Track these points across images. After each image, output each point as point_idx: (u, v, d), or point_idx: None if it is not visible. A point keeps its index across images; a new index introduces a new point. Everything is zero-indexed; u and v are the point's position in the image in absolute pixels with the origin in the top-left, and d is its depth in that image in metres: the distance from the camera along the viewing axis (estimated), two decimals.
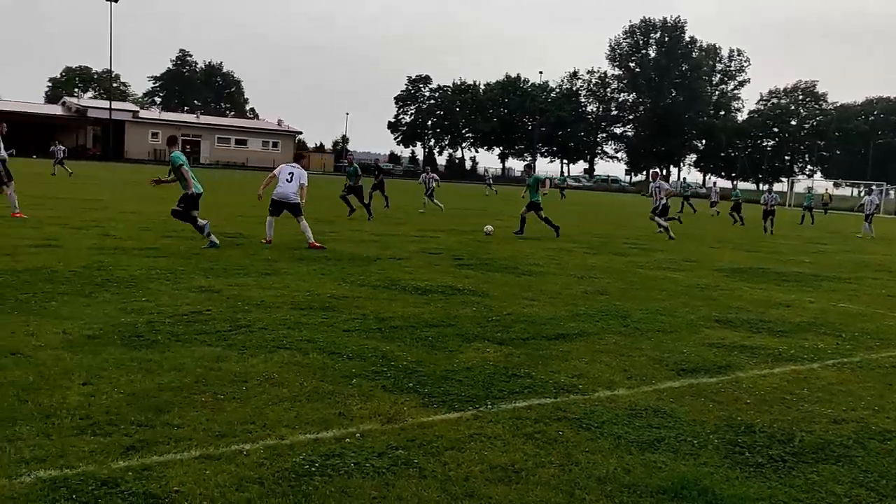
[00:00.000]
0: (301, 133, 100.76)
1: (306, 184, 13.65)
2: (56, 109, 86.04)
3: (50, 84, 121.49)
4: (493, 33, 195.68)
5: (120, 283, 8.53)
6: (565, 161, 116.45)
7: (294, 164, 13.92)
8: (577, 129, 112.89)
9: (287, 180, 13.45)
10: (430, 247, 14.63)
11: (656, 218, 21.52)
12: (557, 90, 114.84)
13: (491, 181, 57.36)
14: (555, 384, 5.66)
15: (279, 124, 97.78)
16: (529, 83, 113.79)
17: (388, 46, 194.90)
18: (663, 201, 21.37)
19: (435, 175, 29.68)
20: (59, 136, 76.68)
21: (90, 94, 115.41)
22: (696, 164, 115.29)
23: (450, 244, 15.47)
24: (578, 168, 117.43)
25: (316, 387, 5.22)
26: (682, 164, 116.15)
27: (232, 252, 11.88)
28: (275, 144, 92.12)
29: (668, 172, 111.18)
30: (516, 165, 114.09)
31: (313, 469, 3.87)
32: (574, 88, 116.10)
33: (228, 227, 15.57)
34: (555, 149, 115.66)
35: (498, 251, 14.58)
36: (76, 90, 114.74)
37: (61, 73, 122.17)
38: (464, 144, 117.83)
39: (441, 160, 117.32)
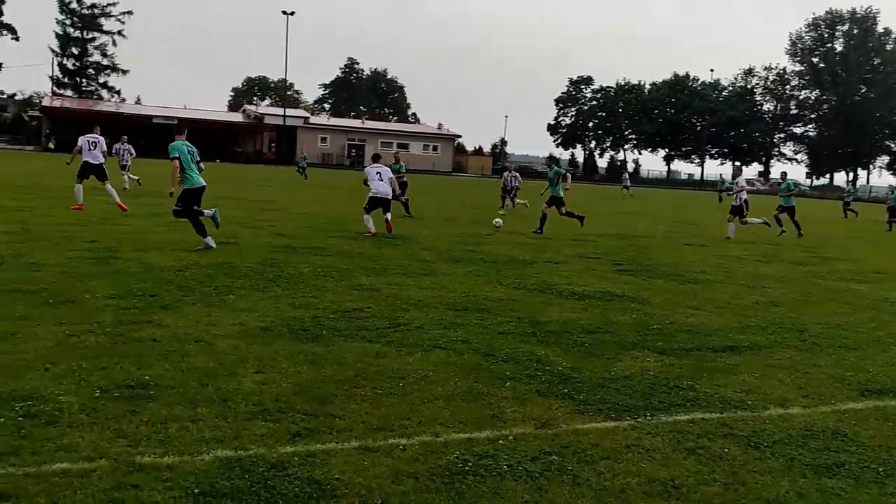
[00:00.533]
0: (460, 136, 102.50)
1: (393, 177, 15.53)
2: (237, 117, 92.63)
3: (233, 93, 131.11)
4: (658, 32, 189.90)
5: (289, 280, 9.03)
6: (737, 163, 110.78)
7: (378, 165, 15.45)
8: (752, 130, 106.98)
9: (379, 179, 15.03)
10: (589, 251, 14.38)
11: (746, 219, 19.69)
12: (730, 88, 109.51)
13: (629, 182, 53.48)
14: (720, 399, 5.37)
15: (439, 128, 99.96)
16: (699, 81, 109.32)
17: (551, 48, 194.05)
18: (743, 196, 19.54)
19: (517, 174, 28.39)
20: (240, 142, 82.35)
21: (267, 101, 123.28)
22: (889, 167, 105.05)
23: (609, 248, 15.13)
24: (752, 171, 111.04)
25: (470, 387, 5.26)
26: (871, 167, 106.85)
27: (392, 252, 12.25)
28: (434, 148, 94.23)
29: (856, 176, 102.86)
30: (682, 168, 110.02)
31: (466, 468, 3.90)
32: (749, 86, 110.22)
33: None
34: (725, 150, 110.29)
35: (660, 257, 14.09)
36: (255, 98, 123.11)
37: (242, 83, 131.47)
38: (626, 146, 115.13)
39: (602, 163, 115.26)
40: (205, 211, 11.47)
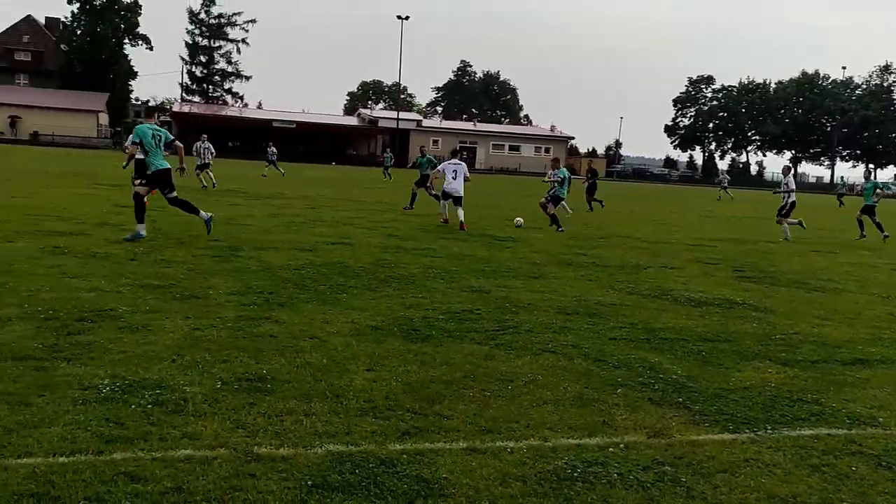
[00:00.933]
0: (573, 138, 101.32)
1: (468, 174, 16.56)
2: (352, 121, 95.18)
3: (348, 98, 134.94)
4: (785, 29, 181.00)
5: (400, 280, 9.17)
6: (871, 166, 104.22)
7: (456, 161, 16.18)
8: (888, 130, 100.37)
9: (453, 178, 16.18)
10: (708, 256, 13.88)
11: (784, 220, 18.55)
12: (864, 87, 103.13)
13: (726, 184, 49.74)
14: (848, 414, 5.05)
15: (552, 130, 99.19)
16: (830, 80, 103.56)
17: (668, 47, 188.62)
18: (790, 198, 18.57)
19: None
20: (354, 145, 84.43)
21: (381, 105, 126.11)
22: None
23: (729, 253, 14.55)
24: (888, 174, 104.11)
25: (580, 392, 5.18)
26: None
27: (501, 255, 12.24)
28: (547, 150, 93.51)
29: None
30: (810, 171, 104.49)
31: (575, 474, 3.83)
32: (886, 84, 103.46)
33: (499, 232, 16.08)
34: (858, 152, 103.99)
35: (785, 264, 13.42)
36: (369, 102, 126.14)
37: (358, 88, 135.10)
38: (749, 148, 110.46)
39: (723, 165, 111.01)
40: (202, 213, 11.94)
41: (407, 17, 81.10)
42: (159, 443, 3.91)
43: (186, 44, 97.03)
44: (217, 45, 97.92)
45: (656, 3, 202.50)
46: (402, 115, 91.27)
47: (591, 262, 11.99)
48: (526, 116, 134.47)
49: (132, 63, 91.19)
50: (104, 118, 77.13)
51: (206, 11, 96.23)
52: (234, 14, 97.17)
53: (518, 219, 17.80)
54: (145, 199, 11.52)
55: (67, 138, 68.67)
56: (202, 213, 11.95)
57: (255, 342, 5.93)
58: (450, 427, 4.39)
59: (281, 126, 76.23)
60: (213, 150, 26.06)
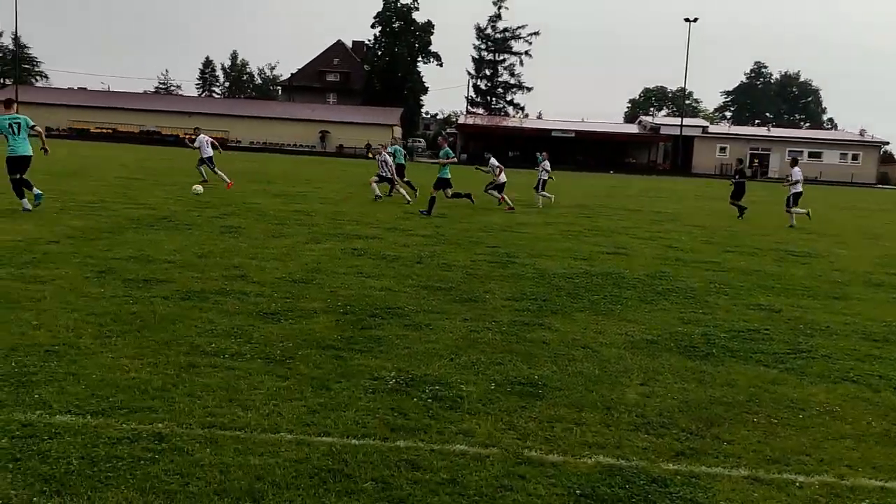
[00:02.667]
0: (887, 143, 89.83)
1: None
2: (632, 128, 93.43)
3: (629, 105, 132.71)
4: None
5: (679, 294, 8.79)
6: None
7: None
8: None
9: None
10: None
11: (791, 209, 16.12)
12: None
13: None
14: None
15: (861, 134, 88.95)
16: None
17: None
18: (797, 189, 18.16)
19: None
20: (633, 153, 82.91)
21: (664, 112, 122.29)
22: None
23: None
24: None
25: (887, 429, 4.56)
26: None
27: (796, 271, 11.22)
28: (854, 157, 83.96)
29: None
30: None
31: None
32: None
33: (795, 246, 14.77)
34: None
35: None
36: (651, 109, 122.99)
37: (640, 95, 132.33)
38: None
39: None
40: (35, 190, 12.59)
41: (695, 20, 77.76)
42: (437, 436, 4.13)
43: (473, 58, 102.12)
44: (501, 58, 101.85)
45: None
46: (687, 121, 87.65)
47: None
48: (830, 120, 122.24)
49: (424, 79, 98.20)
50: (398, 131, 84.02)
51: (492, 27, 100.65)
52: (519, 27, 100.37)
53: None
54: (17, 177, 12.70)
55: (356, 149, 75.86)
56: (35, 189, 12.66)
57: (527, 347, 6.05)
58: (729, 452, 4.10)
59: (560, 135, 77.30)
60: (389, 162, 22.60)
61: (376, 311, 6.95)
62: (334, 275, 8.67)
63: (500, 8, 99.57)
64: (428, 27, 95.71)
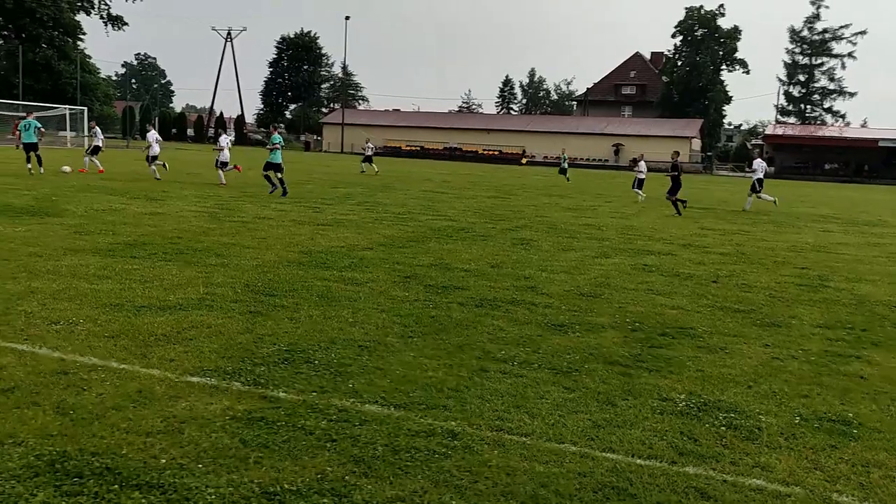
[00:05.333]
0: None
1: None
2: None
3: None
4: None
5: None
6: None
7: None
8: None
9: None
10: None
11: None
12: None
13: None
14: None
15: None
16: None
17: None
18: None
19: None
20: None
21: None
22: None
23: None
24: None
25: None
26: None
27: None
28: None
29: None
30: None
31: None
32: None
33: None
34: None
35: None
36: None
37: None
38: None
39: None
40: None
41: None
42: (731, 466, 3.88)
43: (785, 63, 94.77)
44: (818, 62, 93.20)
45: None
46: None
47: None
48: None
49: (727, 88, 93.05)
50: (696, 143, 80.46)
51: (808, 28, 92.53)
52: (841, 27, 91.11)
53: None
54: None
55: (661, 163, 73.76)
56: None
57: (841, 381, 5.43)
58: None
59: (890, 145, 68.53)
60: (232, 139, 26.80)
61: (667, 329, 6.72)
62: (623, 290, 8.54)
63: (818, 7, 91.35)
64: (734, 33, 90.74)
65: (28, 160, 21.51)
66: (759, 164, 23.21)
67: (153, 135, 23.25)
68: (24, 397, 4.24)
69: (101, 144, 24.80)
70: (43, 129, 24.47)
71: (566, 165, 38.60)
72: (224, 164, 21.73)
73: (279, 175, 18.91)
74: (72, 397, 4.28)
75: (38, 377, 4.57)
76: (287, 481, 3.44)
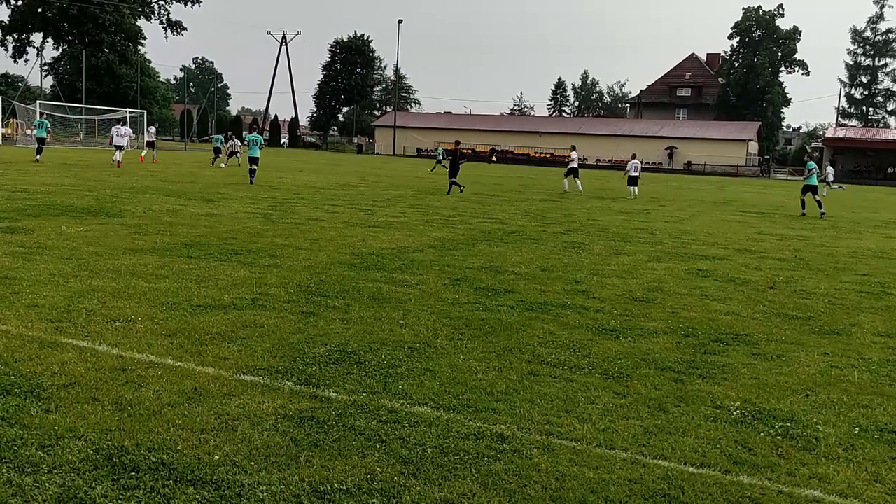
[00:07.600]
0: None
1: None
2: None
3: None
4: None
5: None
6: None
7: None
8: None
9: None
10: None
11: None
12: None
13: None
14: None
15: None
16: None
17: None
18: None
19: None
20: None
21: None
22: None
23: None
24: None
25: None
26: None
27: None
28: None
29: None
30: None
31: None
32: None
33: None
34: None
35: None
36: None
37: None
38: None
39: None
40: None
41: None
42: (787, 477, 3.78)
43: (846, 65, 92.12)
44: (882, 63, 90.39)
45: None
46: None
47: None
48: None
49: (786, 90, 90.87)
50: (753, 146, 78.70)
51: (871, 29, 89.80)
52: None
53: None
54: None
55: (716, 167, 72.38)
56: None
57: None
58: None
59: None
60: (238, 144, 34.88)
61: (721, 336, 6.59)
62: (676, 295, 8.40)
63: (882, 7, 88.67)
64: (793, 34, 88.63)
65: (38, 151, 28.21)
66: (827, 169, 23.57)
67: (235, 142, 34.06)
68: (85, 393, 4.37)
69: (153, 140, 34.37)
70: (50, 129, 32.91)
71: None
72: (119, 149, 27.46)
73: (253, 166, 22.43)
74: (129, 393, 4.40)
75: (97, 373, 4.71)
76: (337, 480, 3.47)
